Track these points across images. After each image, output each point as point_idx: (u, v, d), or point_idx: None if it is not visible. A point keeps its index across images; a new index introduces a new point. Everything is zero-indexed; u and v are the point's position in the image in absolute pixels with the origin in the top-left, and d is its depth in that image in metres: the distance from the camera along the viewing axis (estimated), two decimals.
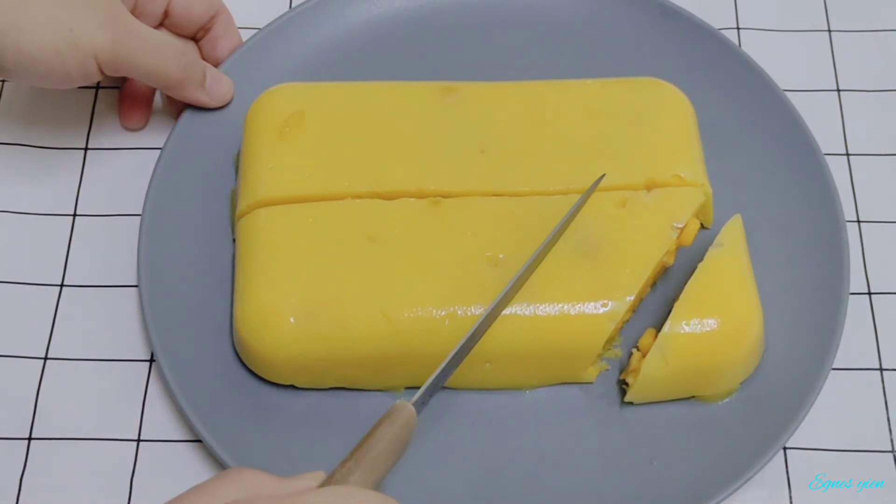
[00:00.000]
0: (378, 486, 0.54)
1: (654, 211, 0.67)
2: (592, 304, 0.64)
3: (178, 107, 0.74)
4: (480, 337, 0.62)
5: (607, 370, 0.67)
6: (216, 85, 0.73)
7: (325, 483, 0.52)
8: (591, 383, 0.66)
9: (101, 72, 0.67)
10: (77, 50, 0.65)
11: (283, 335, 0.63)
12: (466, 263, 0.65)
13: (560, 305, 0.64)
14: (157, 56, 0.69)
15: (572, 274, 0.65)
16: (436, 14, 0.78)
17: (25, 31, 0.64)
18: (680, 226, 0.66)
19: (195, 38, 0.76)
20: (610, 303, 0.64)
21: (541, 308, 0.64)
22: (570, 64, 0.76)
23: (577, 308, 0.64)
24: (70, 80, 0.67)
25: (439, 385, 0.60)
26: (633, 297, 0.64)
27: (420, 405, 0.58)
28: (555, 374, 0.66)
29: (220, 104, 0.73)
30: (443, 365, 0.60)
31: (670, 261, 0.68)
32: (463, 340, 0.61)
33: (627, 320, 0.67)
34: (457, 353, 0.60)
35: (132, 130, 0.76)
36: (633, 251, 0.66)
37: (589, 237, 0.66)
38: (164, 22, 0.74)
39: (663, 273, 0.69)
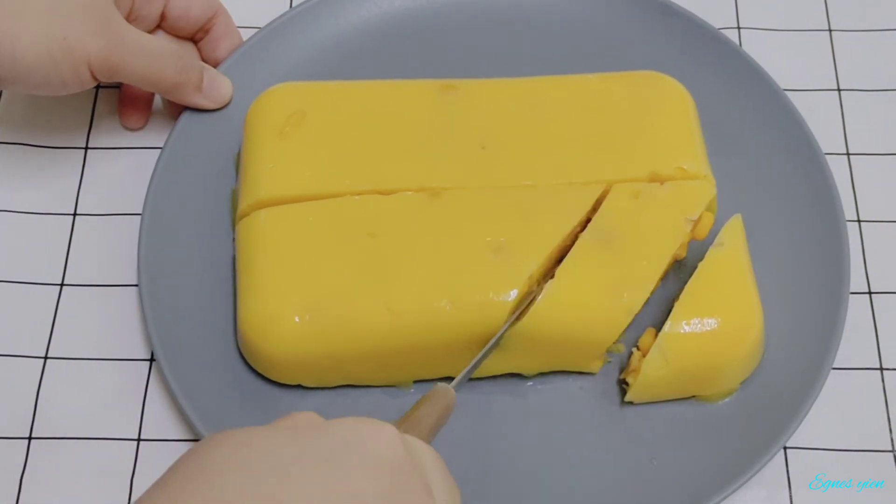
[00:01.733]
0: None
1: (667, 204, 0.66)
2: (610, 295, 0.63)
3: (177, 107, 0.74)
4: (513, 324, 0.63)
5: (609, 363, 0.67)
6: (213, 87, 0.73)
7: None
8: (593, 374, 0.66)
9: (95, 78, 0.67)
10: (71, 57, 0.65)
11: (289, 335, 0.63)
12: (468, 252, 0.65)
13: (577, 295, 0.63)
14: (152, 61, 0.69)
15: (590, 264, 0.64)
16: (435, 13, 0.78)
17: (21, 40, 0.64)
18: (693, 219, 0.66)
19: (194, 40, 0.76)
20: (627, 294, 0.64)
21: (557, 297, 0.63)
22: (569, 63, 0.76)
23: (594, 299, 0.63)
24: (65, 87, 0.67)
25: (474, 370, 0.62)
26: (650, 290, 0.64)
27: (458, 388, 0.59)
28: (562, 362, 0.66)
29: (219, 106, 0.73)
30: (483, 351, 0.62)
31: (683, 253, 0.67)
32: (501, 332, 0.62)
33: (638, 312, 0.67)
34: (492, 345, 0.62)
35: (132, 130, 0.76)
36: (648, 243, 0.65)
37: (604, 228, 0.65)
38: (161, 24, 0.74)
39: (674, 266, 0.69)
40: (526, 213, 0.66)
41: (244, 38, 0.76)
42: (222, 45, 0.75)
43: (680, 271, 0.69)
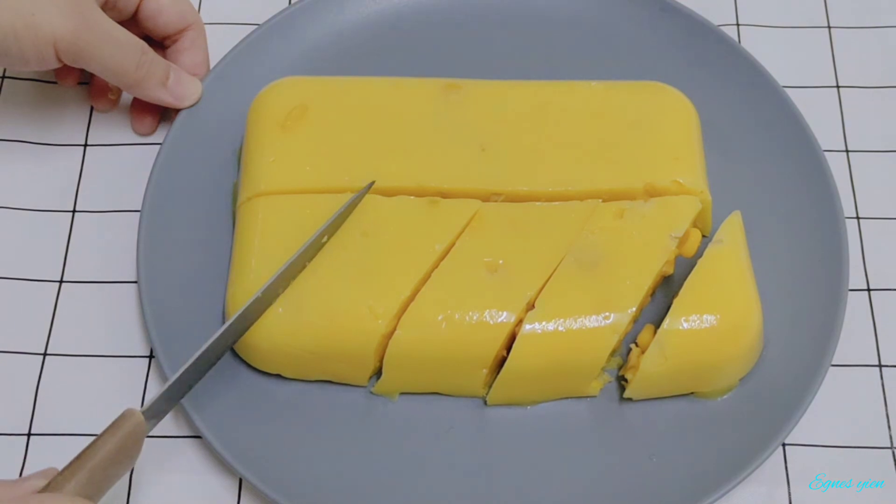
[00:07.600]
0: (98, 494, 0.55)
1: (652, 221, 0.66)
2: (595, 317, 0.63)
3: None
4: (234, 339, 0.62)
5: (610, 382, 0.67)
6: (179, 84, 0.72)
7: (44, 489, 0.53)
8: (594, 397, 0.66)
9: (59, 59, 0.67)
10: (35, 35, 0.65)
11: (270, 323, 0.64)
12: (463, 269, 0.65)
13: (563, 320, 0.63)
14: (116, 51, 0.69)
15: (574, 288, 0.64)
16: (435, 11, 0.78)
17: None
18: (678, 235, 0.66)
19: (164, 46, 0.75)
20: (612, 315, 0.63)
21: (543, 324, 0.63)
22: (571, 60, 0.76)
23: (579, 322, 0.63)
24: (26, 63, 0.67)
25: (178, 396, 0.59)
26: (634, 309, 0.64)
27: (153, 413, 0.58)
28: (559, 390, 0.66)
29: (185, 104, 0.73)
30: (179, 372, 0.60)
31: (670, 270, 0.67)
32: (210, 341, 0.61)
33: (628, 331, 0.67)
34: (204, 353, 0.60)
35: (143, 135, 0.75)
36: (632, 262, 0.65)
37: (589, 250, 0.65)
38: (133, 20, 0.73)
39: (662, 281, 0.69)
40: (524, 232, 0.66)
41: (245, 35, 0.76)
42: (183, 58, 0.74)
43: (667, 287, 0.68)
